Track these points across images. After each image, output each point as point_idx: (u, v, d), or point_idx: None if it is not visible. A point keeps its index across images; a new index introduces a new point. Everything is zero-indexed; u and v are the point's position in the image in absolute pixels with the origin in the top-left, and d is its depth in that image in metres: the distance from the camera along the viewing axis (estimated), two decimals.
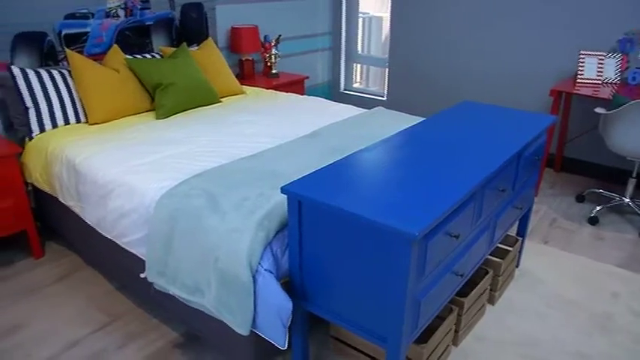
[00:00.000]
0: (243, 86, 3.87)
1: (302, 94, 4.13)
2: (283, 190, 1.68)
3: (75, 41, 3.24)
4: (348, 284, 1.66)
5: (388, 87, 5.10)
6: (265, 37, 4.42)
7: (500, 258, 2.47)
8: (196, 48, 3.76)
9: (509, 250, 2.54)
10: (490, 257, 2.45)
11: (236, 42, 4.19)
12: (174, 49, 3.54)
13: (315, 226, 1.67)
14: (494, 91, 4.37)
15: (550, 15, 3.91)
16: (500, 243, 2.62)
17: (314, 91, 5.15)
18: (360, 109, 3.32)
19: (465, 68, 4.49)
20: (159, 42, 3.72)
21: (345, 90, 5.53)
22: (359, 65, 5.54)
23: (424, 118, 2.65)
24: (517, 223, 2.75)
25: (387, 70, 5.07)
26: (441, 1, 4.46)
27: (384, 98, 5.15)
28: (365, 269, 1.59)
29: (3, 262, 2.89)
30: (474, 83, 4.47)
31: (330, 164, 1.88)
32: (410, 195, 1.63)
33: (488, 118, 2.48)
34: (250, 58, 4.32)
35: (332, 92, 5.54)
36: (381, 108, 3.27)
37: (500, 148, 2.07)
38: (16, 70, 2.85)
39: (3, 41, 2.92)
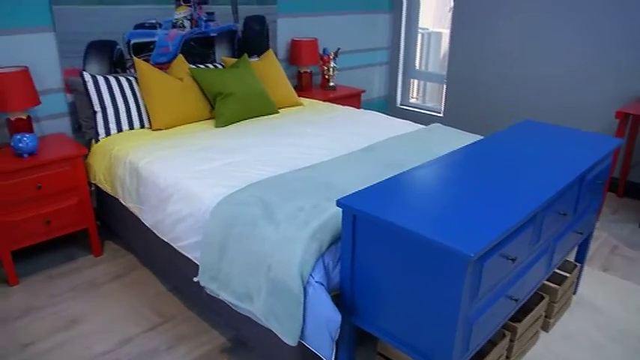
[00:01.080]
0: (300, 98, 3.92)
1: (358, 108, 4.14)
2: (339, 203, 1.69)
3: (142, 50, 3.38)
4: (399, 301, 1.64)
5: (445, 103, 5.04)
6: (324, 49, 4.47)
7: (557, 284, 2.39)
8: (257, 59, 3.84)
9: (566, 277, 2.45)
10: (546, 282, 2.37)
11: (295, 54, 4.25)
12: (235, 59, 3.63)
13: (369, 240, 1.67)
14: (555, 109, 4.23)
15: (617, 32, 3.76)
16: (557, 268, 2.54)
17: (370, 105, 5.15)
18: (417, 124, 3.30)
19: (525, 86, 4.38)
20: (221, 52, 3.83)
21: (401, 105, 5.50)
22: (416, 80, 5.50)
23: (482, 137, 2.60)
24: (576, 248, 2.65)
25: (444, 86, 5.02)
26: (502, 19, 4.38)
27: (441, 114, 5.09)
28: (417, 287, 1.57)
29: (65, 257, 3.03)
30: (534, 101, 4.36)
31: (386, 179, 1.88)
32: (467, 215, 1.60)
33: (550, 138, 2.41)
34: (308, 71, 4.37)
35: (388, 107, 5.52)
36: (438, 124, 3.23)
37: (562, 169, 2.00)
38: (87, 76, 3.00)
39: (78, 49, 3.08)
